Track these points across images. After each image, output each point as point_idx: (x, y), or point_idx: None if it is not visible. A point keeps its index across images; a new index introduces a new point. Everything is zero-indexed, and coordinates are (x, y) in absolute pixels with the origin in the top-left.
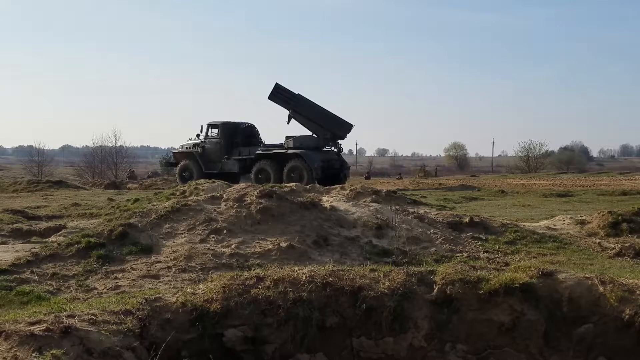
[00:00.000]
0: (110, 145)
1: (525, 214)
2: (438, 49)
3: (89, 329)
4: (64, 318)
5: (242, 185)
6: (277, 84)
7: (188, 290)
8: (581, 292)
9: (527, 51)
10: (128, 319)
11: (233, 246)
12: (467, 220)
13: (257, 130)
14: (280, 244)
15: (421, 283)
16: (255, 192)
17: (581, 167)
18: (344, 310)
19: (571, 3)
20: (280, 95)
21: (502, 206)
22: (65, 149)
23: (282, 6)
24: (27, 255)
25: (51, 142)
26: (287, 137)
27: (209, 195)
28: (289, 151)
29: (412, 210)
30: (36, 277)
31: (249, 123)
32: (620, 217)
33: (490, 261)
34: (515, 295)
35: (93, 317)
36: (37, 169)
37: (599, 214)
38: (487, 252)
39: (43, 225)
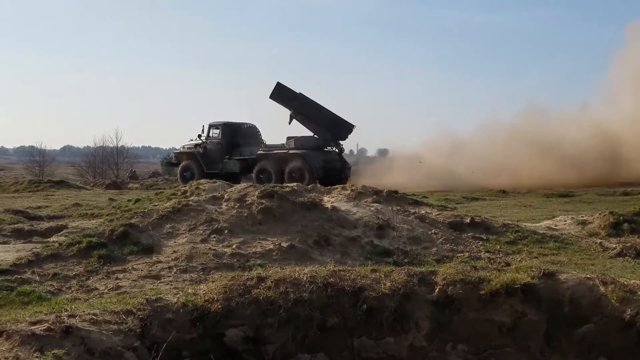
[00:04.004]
0: (111, 145)
1: (527, 214)
2: (439, 50)
3: (90, 329)
4: (65, 318)
5: (243, 185)
6: (278, 83)
7: (189, 290)
8: (582, 292)
9: (528, 51)
10: (129, 319)
11: (234, 246)
12: (468, 220)
13: (259, 131)
14: (282, 244)
15: (422, 283)
16: (257, 192)
17: None
18: (345, 310)
19: (571, 3)
20: (282, 94)
21: (503, 206)
22: (67, 149)
23: (283, 6)
24: (29, 255)
25: (52, 142)
26: (289, 138)
27: (210, 195)
28: (290, 151)
29: (413, 210)
30: (37, 277)
31: (250, 123)
32: (621, 218)
33: (492, 261)
34: (517, 296)
35: (94, 317)
36: (39, 169)
37: (600, 214)
38: (488, 252)
39: (44, 225)
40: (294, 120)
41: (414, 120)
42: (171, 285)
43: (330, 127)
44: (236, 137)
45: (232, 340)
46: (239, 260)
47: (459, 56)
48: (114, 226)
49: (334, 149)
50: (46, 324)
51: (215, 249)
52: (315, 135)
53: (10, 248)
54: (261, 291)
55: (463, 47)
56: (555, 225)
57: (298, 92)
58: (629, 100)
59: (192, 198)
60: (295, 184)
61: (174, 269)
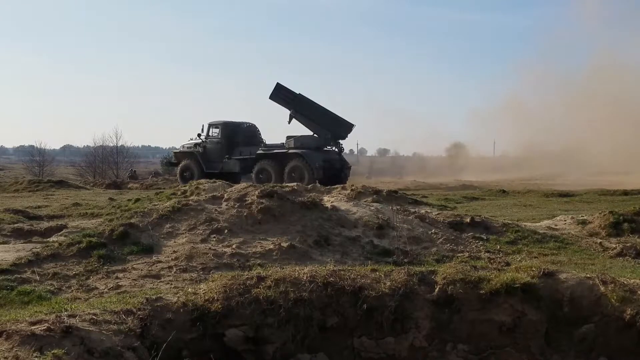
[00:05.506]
0: (111, 145)
1: (527, 214)
2: (439, 49)
3: (90, 328)
4: (65, 318)
5: (243, 185)
6: (278, 83)
7: (189, 290)
8: (582, 292)
9: (527, 50)
10: (129, 318)
11: (234, 246)
12: (468, 220)
13: (258, 130)
14: (281, 244)
15: (422, 283)
16: (256, 192)
17: None
18: (345, 310)
19: (571, 2)
20: (281, 95)
21: (503, 206)
22: (67, 148)
23: (283, 6)
24: (28, 255)
25: (52, 142)
26: (288, 137)
27: (210, 195)
28: (290, 151)
29: (413, 210)
30: (37, 277)
31: (250, 123)
32: (621, 217)
33: (492, 261)
34: (517, 295)
35: (94, 316)
36: (38, 168)
37: (600, 213)
38: (488, 252)
39: (44, 225)
40: (294, 120)
41: (414, 120)
42: (171, 284)
43: (329, 126)
44: (236, 136)
45: (232, 340)
46: (239, 260)
47: (458, 56)
48: (114, 226)
49: (333, 148)
50: (46, 324)
51: (215, 249)
52: (315, 135)
53: (10, 248)
54: (261, 291)
55: (464, 47)
56: (555, 225)
57: (297, 92)
58: None
59: (192, 198)
60: (295, 183)
61: (174, 269)
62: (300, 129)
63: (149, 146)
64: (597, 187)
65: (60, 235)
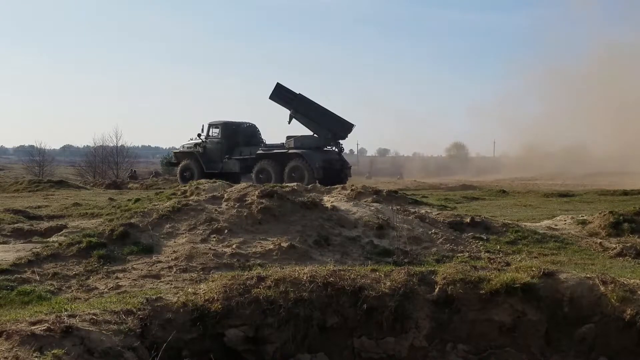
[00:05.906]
0: (111, 145)
1: (527, 214)
2: (439, 49)
3: (90, 328)
4: (65, 318)
5: (243, 185)
6: (278, 83)
7: (189, 290)
8: (582, 292)
9: (528, 50)
10: (129, 318)
11: (234, 246)
12: (468, 220)
13: (258, 130)
14: (281, 244)
15: (422, 283)
16: (256, 192)
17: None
18: (345, 310)
19: (571, 2)
20: (281, 95)
21: (503, 206)
22: (67, 148)
23: (282, 6)
24: (28, 255)
25: (52, 142)
26: (288, 137)
27: (210, 195)
28: (290, 151)
29: (413, 210)
30: (37, 277)
31: (250, 123)
32: (621, 217)
33: (492, 261)
34: (517, 295)
35: (94, 317)
36: (38, 168)
37: (600, 214)
38: (488, 252)
39: (44, 225)
40: (294, 120)
41: (414, 120)
42: (171, 284)
43: (329, 126)
44: (236, 136)
45: (232, 340)
46: (239, 260)
47: (460, 56)
48: (114, 226)
49: (333, 148)
50: (46, 324)
51: (215, 249)
52: (315, 135)
53: (10, 248)
54: (261, 291)
55: (464, 47)
56: (555, 225)
57: (297, 92)
58: None
59: (192, 198)
60: (295, 183)
61: (174, 269)
62: (300, 129)
63: (149, 146)
64: (597, 187)
65: (60, 235)
